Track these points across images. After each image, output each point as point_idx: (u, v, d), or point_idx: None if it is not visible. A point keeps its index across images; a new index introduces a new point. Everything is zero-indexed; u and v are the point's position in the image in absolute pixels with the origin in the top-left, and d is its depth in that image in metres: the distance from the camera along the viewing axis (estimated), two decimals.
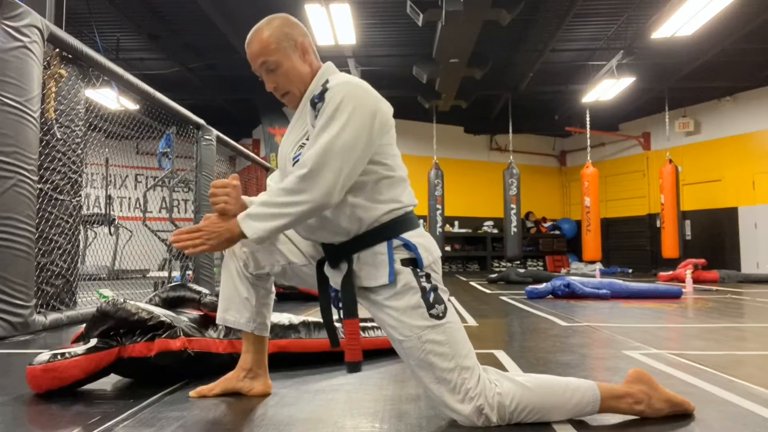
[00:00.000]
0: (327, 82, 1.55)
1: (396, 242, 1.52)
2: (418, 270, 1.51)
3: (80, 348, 1.85)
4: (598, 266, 11.14)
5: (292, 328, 2.29)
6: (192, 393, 1.81)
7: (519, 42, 9.20)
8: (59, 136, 3.94)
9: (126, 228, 7.92)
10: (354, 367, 1.53)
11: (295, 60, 1.61)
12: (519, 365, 2.36)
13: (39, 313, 3.46)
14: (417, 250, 1.51)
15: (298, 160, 1.56)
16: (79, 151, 4.21)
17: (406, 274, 1.49)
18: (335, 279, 1.59)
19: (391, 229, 1.52)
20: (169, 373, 2.01)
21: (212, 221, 1.52)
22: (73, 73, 4.07)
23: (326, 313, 1.65)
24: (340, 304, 1.56)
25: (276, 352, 2.19)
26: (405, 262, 1.51)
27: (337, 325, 1.65)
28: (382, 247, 1.52)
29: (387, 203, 1.54)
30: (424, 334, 1.46)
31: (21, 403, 1.78)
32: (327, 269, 1.65)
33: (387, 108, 1.57)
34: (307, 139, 1.57)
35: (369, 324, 2.54)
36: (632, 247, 13.24)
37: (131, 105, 6.50)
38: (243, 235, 1.47)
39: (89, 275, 6.23)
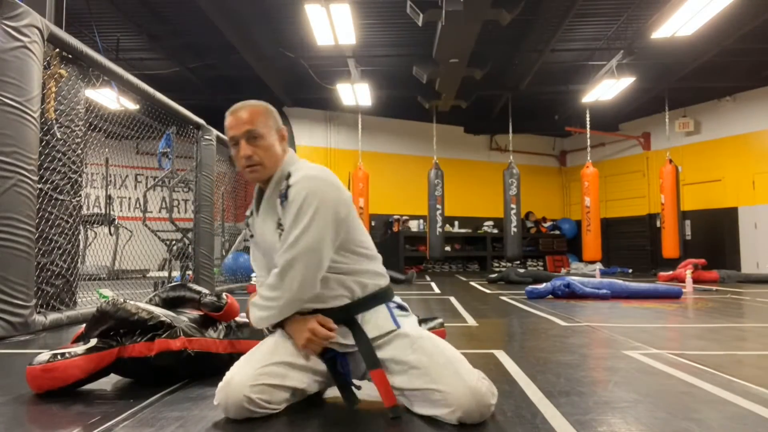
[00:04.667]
0: (290, 175, 1.65)
1: (391, 303, 1.74)
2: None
3: (80, 348, 1.85)
4: (598, 266, 11.14)
5: None
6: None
7: (519, 42, 9.19)
8: (59, 136, 3.94)
9: (126, 228, 7.92)
10: (396, 411, 1.57)
11: (275, 140, 1.72)
12: (519, 365, 2.35)
13: (39, 313, 3.46)
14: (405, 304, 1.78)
15: None
16: (79, 151, 4.21)
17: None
18: (346, 341, 1.66)
19: (381, 297, 1.73)
20: (169, 373, 2.01)
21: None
22: (73, 73, 4.07)
23: (345, 386, 1.67)
24: (350, 366, 1.67)
25: None
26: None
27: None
28: (382, 308, 1.70)
29: (371, 276, 1.72)
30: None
31: (21, 403, 1.79)
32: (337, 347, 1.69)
33: (347, 195, 1.69)
34: (280, 224, 1.65)
35: None
36: (632, 247, 13.23)
37: (131, 105, 6.49)
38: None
39: (89, 275, 6.23)
